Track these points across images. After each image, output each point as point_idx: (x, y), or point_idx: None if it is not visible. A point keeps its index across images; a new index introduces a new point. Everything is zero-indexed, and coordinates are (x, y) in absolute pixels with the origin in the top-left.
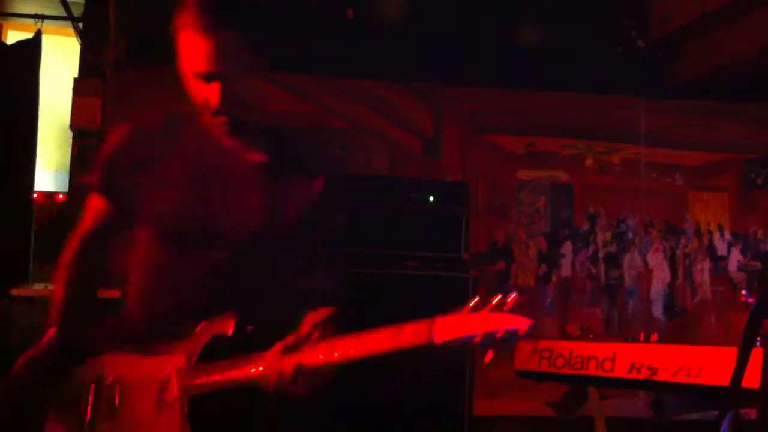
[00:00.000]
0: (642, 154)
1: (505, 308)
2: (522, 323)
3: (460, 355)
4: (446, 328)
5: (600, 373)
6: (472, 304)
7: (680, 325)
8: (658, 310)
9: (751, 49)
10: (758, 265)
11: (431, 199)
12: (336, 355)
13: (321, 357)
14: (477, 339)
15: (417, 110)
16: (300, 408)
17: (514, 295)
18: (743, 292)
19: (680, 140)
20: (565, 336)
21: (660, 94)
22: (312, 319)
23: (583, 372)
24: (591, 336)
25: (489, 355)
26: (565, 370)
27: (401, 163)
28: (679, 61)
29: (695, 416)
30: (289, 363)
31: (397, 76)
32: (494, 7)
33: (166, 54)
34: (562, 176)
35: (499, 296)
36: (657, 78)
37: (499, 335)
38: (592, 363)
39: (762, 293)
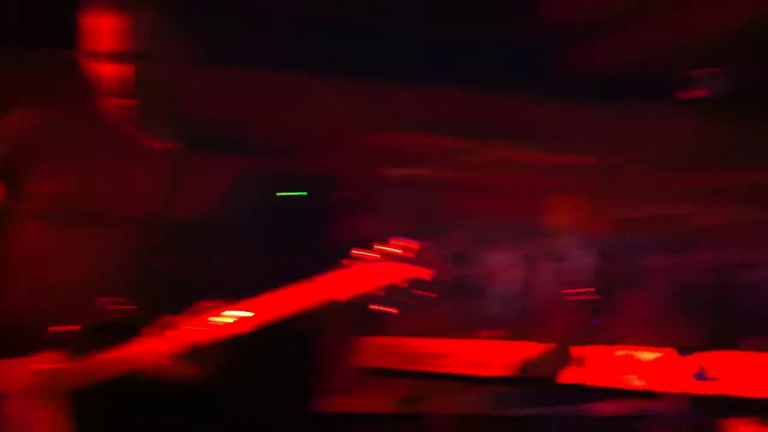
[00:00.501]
0: (502, 152)
1: (406, 256)
2: (425, 273)
3: (306, 349)
4: (347, 282)
5: (443, 369)
6: (371, 254)
7: (528, 323)
8: (506, 308)
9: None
10: (600, 264)
11: (296, 192)
12: (230, 328)
13: (213, 333)
14: (381, 292)
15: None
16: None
17: (414, 243)
18: (570, 290)
19: (544, 139)
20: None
21: (537, 91)
22: (203, 306)
23: (427, 369)
24: (440, 333)
25: (393, 311)
26: (410, 367)
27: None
28: (568, 60)
29: (533, 411)
30: (177, 343)
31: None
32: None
33: None
34: (430, 173)
35: (399, 243)
36: (541, 75)
37: (402, 285)
38: (436, 359)
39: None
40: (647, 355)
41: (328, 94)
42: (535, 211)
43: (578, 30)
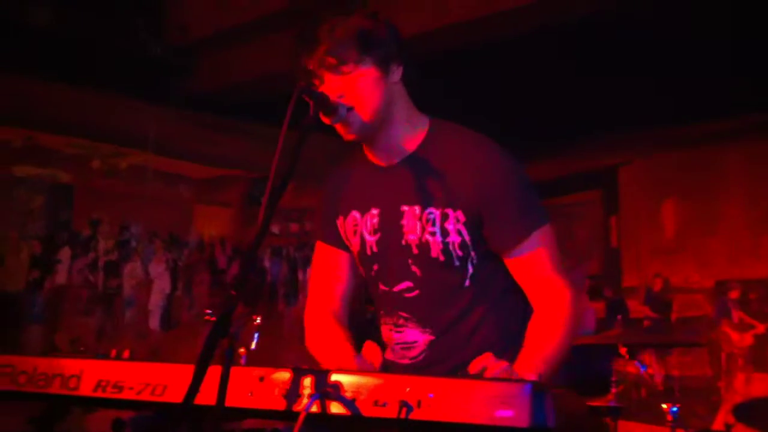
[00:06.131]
0: (150, 162)
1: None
2: None
3: None
4: None
5: (65, 391)
6: None
7: (176, 337)
8: (155, 322)
9: (256, 72)
10: (249, 277)
11: None
12: None
13: None
14: None
15: None
16: None
17: None
18: (207, 311)
19: (188, 151)
20: (53, 347)
21: (170, 102)
22: None
23: (48, 390)
24: (81, 349)
25: None
26: (29, 388)
27: None
28: (191, 73)
29: None
30: None
31: None
32: None
33: None
34: (64, 176)
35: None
36: (169, 87)
37: None
38: (57, 380)
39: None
40: (282, 375)
41: None
42: (189, 223)
43: (201, 44)
